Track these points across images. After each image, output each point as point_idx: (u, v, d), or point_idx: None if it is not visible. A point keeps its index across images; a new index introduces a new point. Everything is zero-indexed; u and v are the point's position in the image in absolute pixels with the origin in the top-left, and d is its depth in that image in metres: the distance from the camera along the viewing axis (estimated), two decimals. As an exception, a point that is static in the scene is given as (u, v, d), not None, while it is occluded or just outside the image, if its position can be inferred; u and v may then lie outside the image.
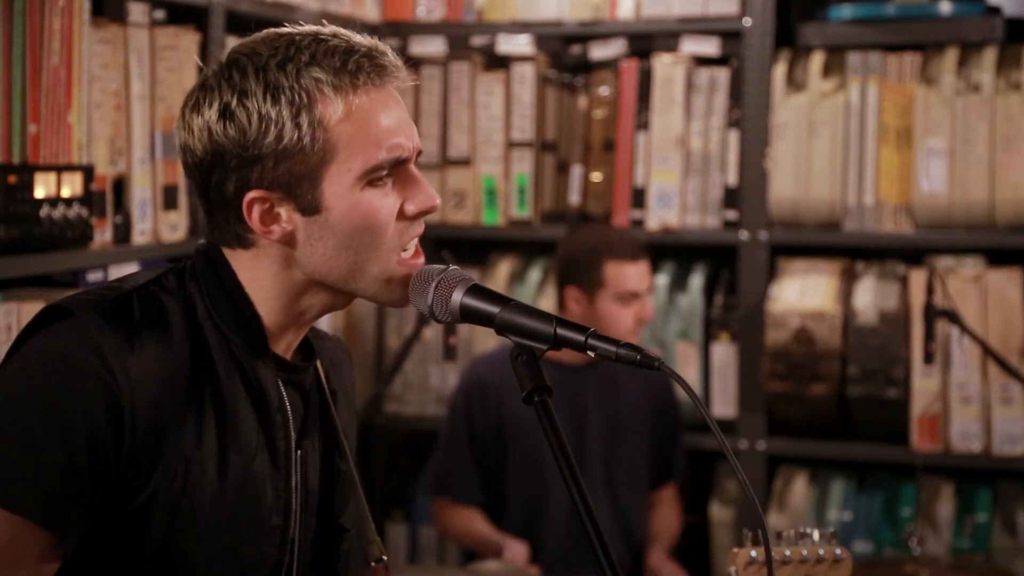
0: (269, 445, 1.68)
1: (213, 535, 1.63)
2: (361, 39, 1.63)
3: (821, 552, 2.31)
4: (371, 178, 1.62)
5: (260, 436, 1.67)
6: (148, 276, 1.69)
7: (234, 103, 1.59)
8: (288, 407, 1.70)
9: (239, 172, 1.61)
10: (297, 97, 1.58)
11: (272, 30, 1.65)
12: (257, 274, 1.67)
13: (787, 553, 2.28)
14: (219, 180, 1.62)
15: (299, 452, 1.72)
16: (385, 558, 1.89)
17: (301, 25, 1.65)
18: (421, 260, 1.67)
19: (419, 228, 1.67)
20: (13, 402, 1.56)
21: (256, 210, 1.62)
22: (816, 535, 2.31)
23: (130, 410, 1.55)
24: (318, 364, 1.80)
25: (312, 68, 1.59)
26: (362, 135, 1.61)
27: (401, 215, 1.65)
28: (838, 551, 2.32)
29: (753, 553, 2.25)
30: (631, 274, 3.48)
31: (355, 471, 1.84)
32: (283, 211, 1.62)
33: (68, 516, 1.54)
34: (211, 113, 1.60)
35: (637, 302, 3.49)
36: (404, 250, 1.66)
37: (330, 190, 1.61)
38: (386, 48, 1.65)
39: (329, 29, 1.63)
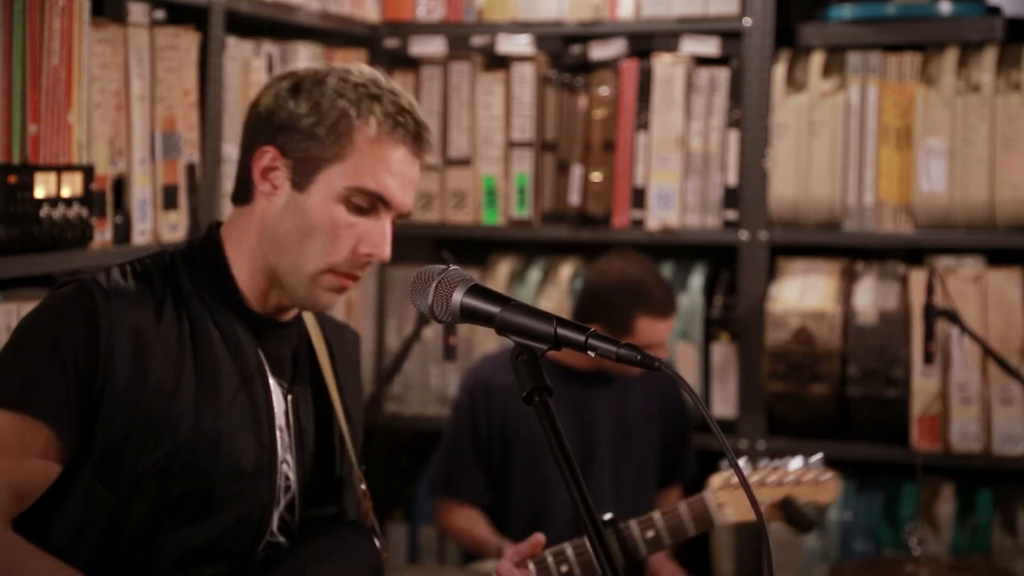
0: (249, 395, 1.94)
1: (193, 470, 1.89)
2: (423, 118, 1.98)
3: (808, 476, 2.57)
4: (353, 199, 1.93)
5: (243, 392, 1.94)
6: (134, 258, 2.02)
7: (306, 85, 1.97)
8: (266, 363, 1.98)
9: (274, 132, 1.96)
10: (352, 110, 1.94)
11: (373, 72, 2.00)
12: (245, 233, 1.99)
13: (773, 478, 2.58)
14: (257, 134, 1.98)
15: (290, 398, 2.00)
16: (364, 487, 2.13)
17: (390, 81, 2.01)
18: (349, 285, 1.96)
19: (359, 271, 1.96)
20: (22, 336, 1.91)
21: (263, 160, 1.96)
22: (799, 461, 2.63)
23: (107, 333, 1.86)
24: (310, 330, 2.08)
25: (375, 105, 1.95)
26: (370, 162, 1.93)
27: (352, 250, 1.93)
28: (823, 474, 2.59)
29: (726, 475, 2.62)
30: (662, 329, 3.43)
31: (348, 434, 2.09)
32: (280, 174, 1.95)
33: (67, 416, 1.84)
34: (286, 84, 1.98)
35: (658, 348, 3.45)
36: (336, 272, 1.95)
37: (321, 181, 1.94)
38: (431, 137, 1.99)
39: (407, 100, 1.98)
